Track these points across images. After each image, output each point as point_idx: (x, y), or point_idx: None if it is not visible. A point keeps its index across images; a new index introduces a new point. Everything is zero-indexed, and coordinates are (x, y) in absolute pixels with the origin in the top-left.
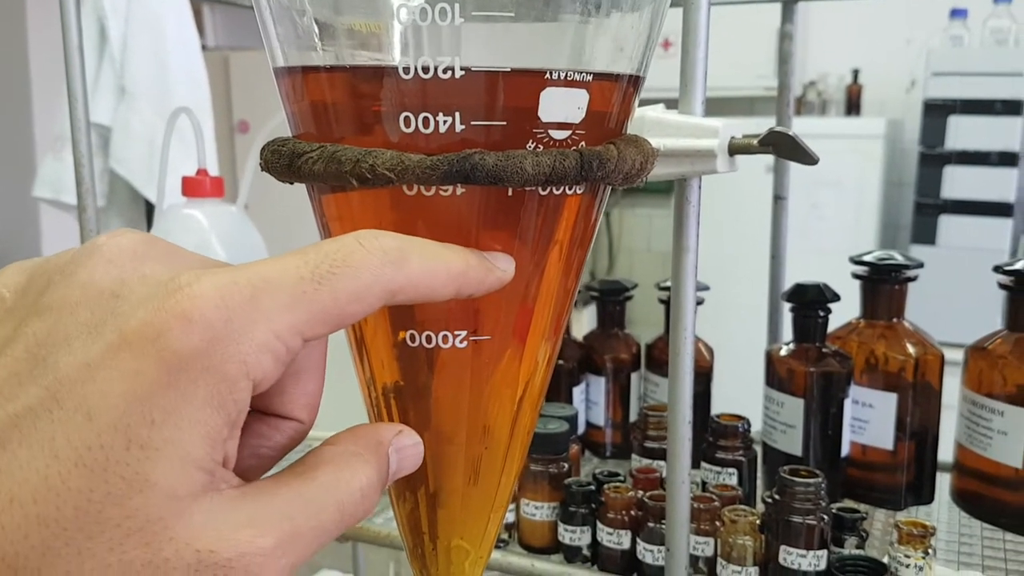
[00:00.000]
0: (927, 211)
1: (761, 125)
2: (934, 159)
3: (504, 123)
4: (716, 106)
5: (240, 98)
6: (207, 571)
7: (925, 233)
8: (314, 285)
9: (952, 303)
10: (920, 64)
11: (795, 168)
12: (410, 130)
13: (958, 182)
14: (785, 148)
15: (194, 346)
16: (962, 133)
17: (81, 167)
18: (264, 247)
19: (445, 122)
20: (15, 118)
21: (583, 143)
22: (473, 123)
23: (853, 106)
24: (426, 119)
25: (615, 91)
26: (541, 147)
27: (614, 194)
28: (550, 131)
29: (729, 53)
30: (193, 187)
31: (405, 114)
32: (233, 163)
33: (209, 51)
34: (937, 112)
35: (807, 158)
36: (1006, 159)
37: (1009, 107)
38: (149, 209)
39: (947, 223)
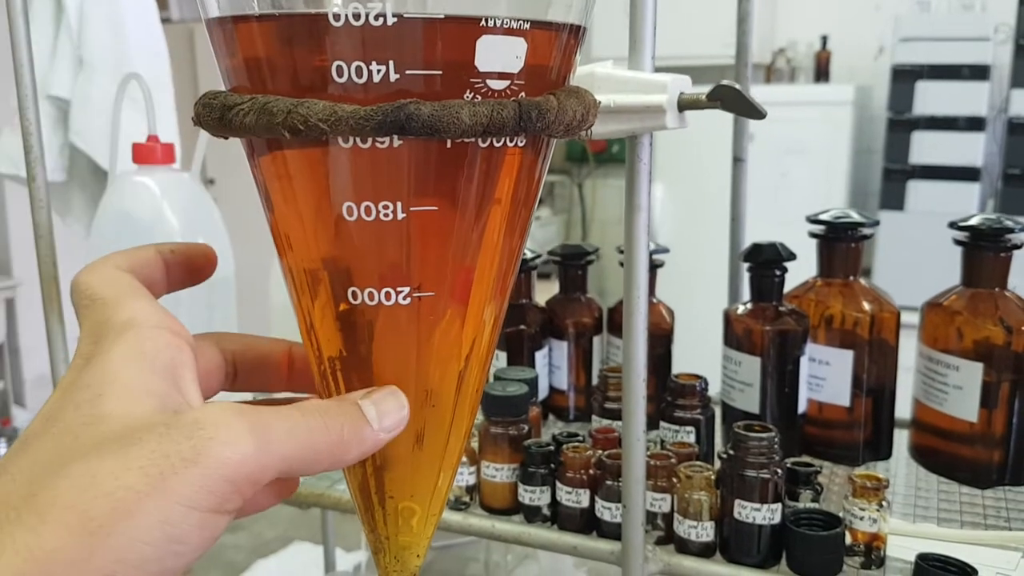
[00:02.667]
0: (896, 177)
1: None
2: (902, 125)
3: (440, 72)
4: (683, 74)
5: (206, 71)
6: (182, 428)
7: (894, 199)
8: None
9: (920, 268)
10: (888, 30)
11: (764, 136)
12: (343, 80)
13: (926, 147)
14: (732, 102)
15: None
16: (930, 99)
17: (29, 135)
18: (219, 216)
19: (379, 71)
20: None
21: (523, 94)
22: (408, 72)
23: (822, 73)
24: (359, 68)
25: (555, 41)
26: (479, 98)
27: (587, 165)
28: (488, 81)
29: (695, 22)
30: (144, 154)
31: (337, 63)
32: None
33: (173, 24)
34: (905, 78)
35: (755, 112)
36: (973, 124)
37: (976, 72)
38: None
39: (915, 188)
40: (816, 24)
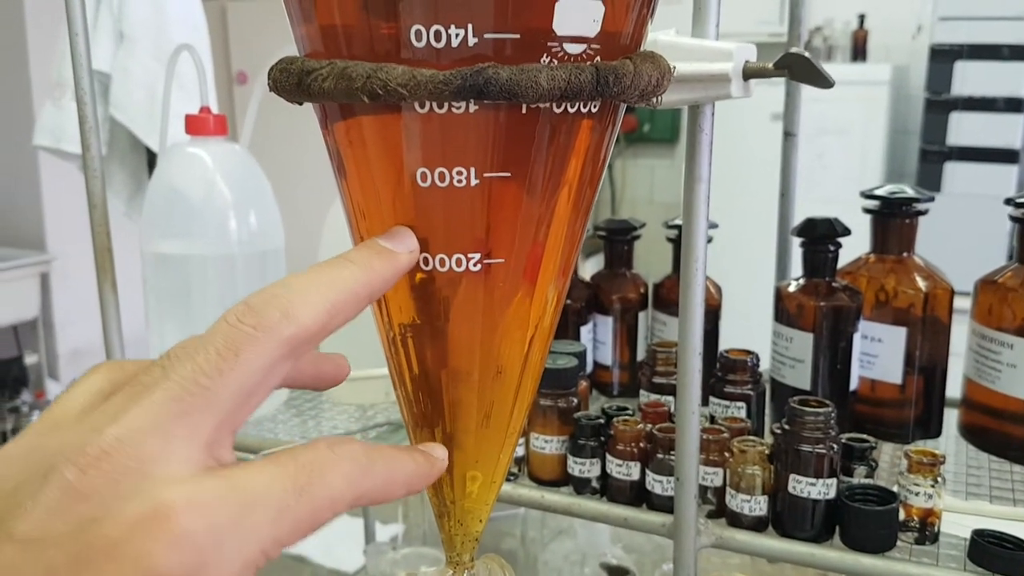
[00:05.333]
0: (932, 158)
1: None
2: (940, 105)
3: (518, 36)
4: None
5: (238, 48)
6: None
7: (930, 180)
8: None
9: (958, 250)
10: (927, 9)
11: (800, 116)
12: (421, 44)
13: (964, 128)
14: (800, 70)
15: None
16: (968, 79)
17: (84, 105)
18: (269, 187)
19: (457, 35)
20: (11, 66)
21: (598, 58)
22: (486, 36)
23: (859, 52)
24: (437, 32)
25: (630, 6)
26: (556, 62)
27: (618, 145)
28: (565, 45)
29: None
30: (197, 125)
31: (416, 28)
32: (233, 114)
33: (207, 1)
34: (943, 57)
35: (823, 81)
36: (1012, 105)
37: (1016, 52)
38: (151, 158)
39: (952, 170)
40: (853, 2)
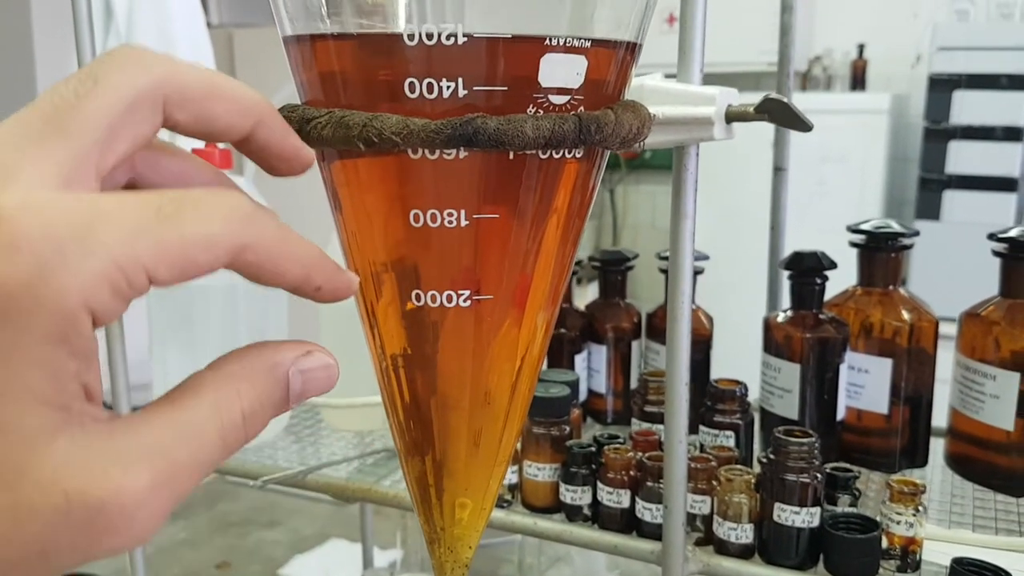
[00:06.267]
0: (932, 186)
1: None
2: (939, 134)
3: (505, 88)
4: (720, 81)
5: (245, 76)
6: (79, 514)
7: (930, 208)
8: (157, 221)
9: (956, 278)
10: (926, 39)
11: (800, 144)
12: (415, 96)
13: (963, 157)
14: (780, 115)
15: (21, 278)
16: (967, 108)
17: None
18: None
19: (448, 87)
20: (20, 88)
21: (582, 108)
22: (476, 88)
23: (858, 81)
24: (430, 85)
25: (613, 58)
26: (541, 112)
27: (619, 171)
28: (550, 96)
29: (733, 29)
30: (203, 159)
31: (410, 80)
32: None
33: (213, 28)
34: (942, 87)
35: (801, 125)
36: (1011, 134)
37: (1014, 82)
38: None
39: (951, 198)
40: (853, 32)
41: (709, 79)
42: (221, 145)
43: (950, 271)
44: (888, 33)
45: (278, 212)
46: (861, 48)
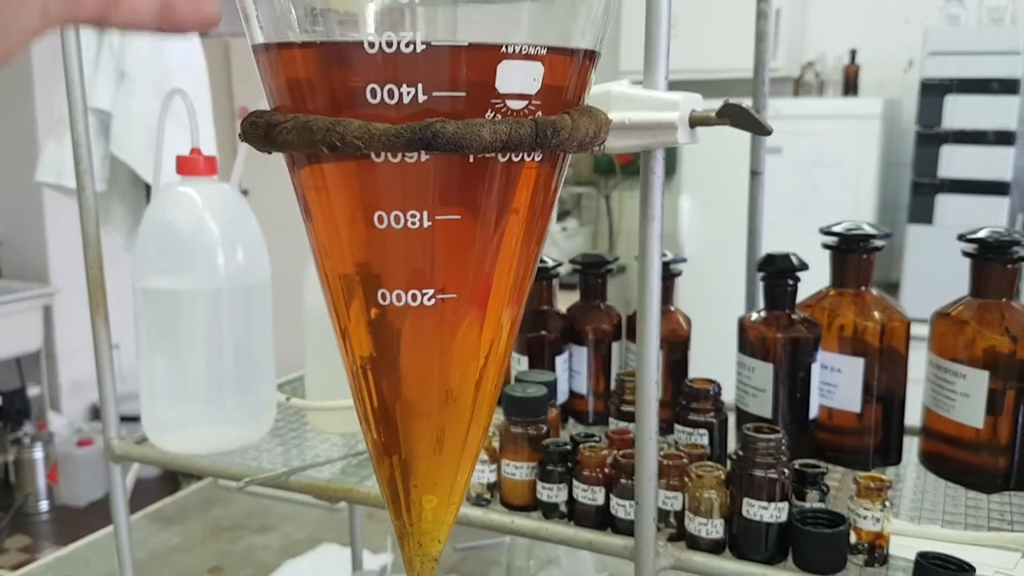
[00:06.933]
0: (924, 190)
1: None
2: (931, 138)
3: (464, 94)
4: (708, 88)
5: (241, 84)
6: None
7: (922, 212)
8: None
9: (948, 281)
10: (917, 44)
11: (793, 149)
12: (376, 101)
13: (955, 161)
14: (740, 119)
15: None
16: (959, 112)
17: (79, 147)
18: (257, 224)
19: (409, 93)
20: (17, 104)
21: (539, 113)
22: (435, 94)
23: (851, 86)
24: (391, 91)
25: (570, 65)
26: (499, 117)
27: (614, 177)
28: (508, 101)
29: (721, 36)
30: (187, 166)
31: (371, 86)
32: (235, 148)
33: (209, 38)
34: (934, 91)
35: (761, 129)
36: (1003, 138)
37: (1006, 86)
38: (150, 193)
39: (944, 202)
40: (845, 37)
41: (702, 85)
42: (216, 146)
43: (943, 274)
44: (880, 38)
45: (270, 221)
46: (853, 53)
